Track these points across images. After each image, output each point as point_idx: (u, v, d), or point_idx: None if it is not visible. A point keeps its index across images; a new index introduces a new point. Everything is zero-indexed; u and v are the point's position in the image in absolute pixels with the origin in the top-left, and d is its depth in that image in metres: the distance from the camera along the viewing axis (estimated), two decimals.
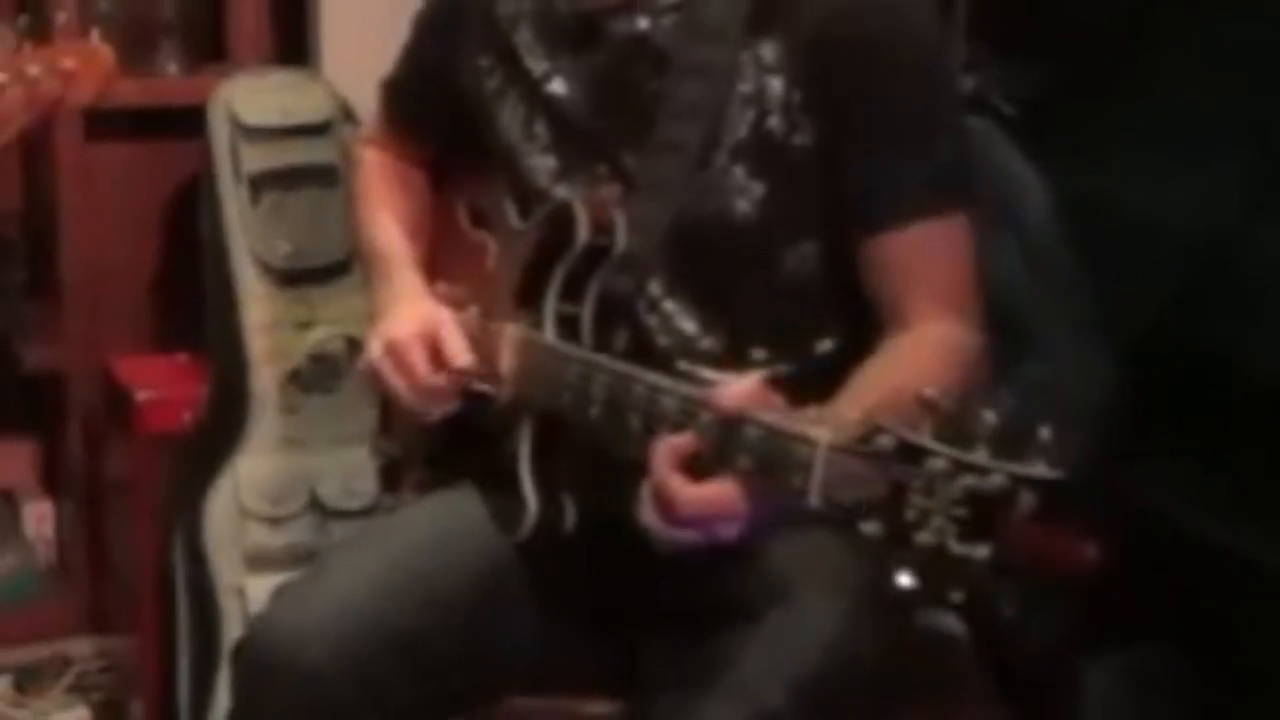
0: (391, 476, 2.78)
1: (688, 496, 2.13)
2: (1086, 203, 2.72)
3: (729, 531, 2.15)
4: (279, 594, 2.53)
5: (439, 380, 2.51)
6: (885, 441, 1.90)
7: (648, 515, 2.18)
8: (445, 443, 2.61)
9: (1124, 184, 2.96)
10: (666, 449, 2.15)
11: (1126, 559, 1.97)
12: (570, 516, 2.46)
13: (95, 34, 3.17)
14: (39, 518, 4.44)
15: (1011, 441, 1.84)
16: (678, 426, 2.16)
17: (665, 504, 2.15)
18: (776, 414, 2.09)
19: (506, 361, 2.49)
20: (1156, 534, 2.74)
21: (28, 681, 4.17)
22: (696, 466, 2.13)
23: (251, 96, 3.76)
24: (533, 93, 2.60)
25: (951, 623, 2.57)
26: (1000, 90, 2.91)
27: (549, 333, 2.45)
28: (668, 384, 2.22)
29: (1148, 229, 2.90)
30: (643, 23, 2.48)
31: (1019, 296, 2.60)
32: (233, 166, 3.68)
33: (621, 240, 2.47)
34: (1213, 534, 2.78)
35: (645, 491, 2.18)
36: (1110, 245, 2.72)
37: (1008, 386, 2.51)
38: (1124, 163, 3.01)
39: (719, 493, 2.12)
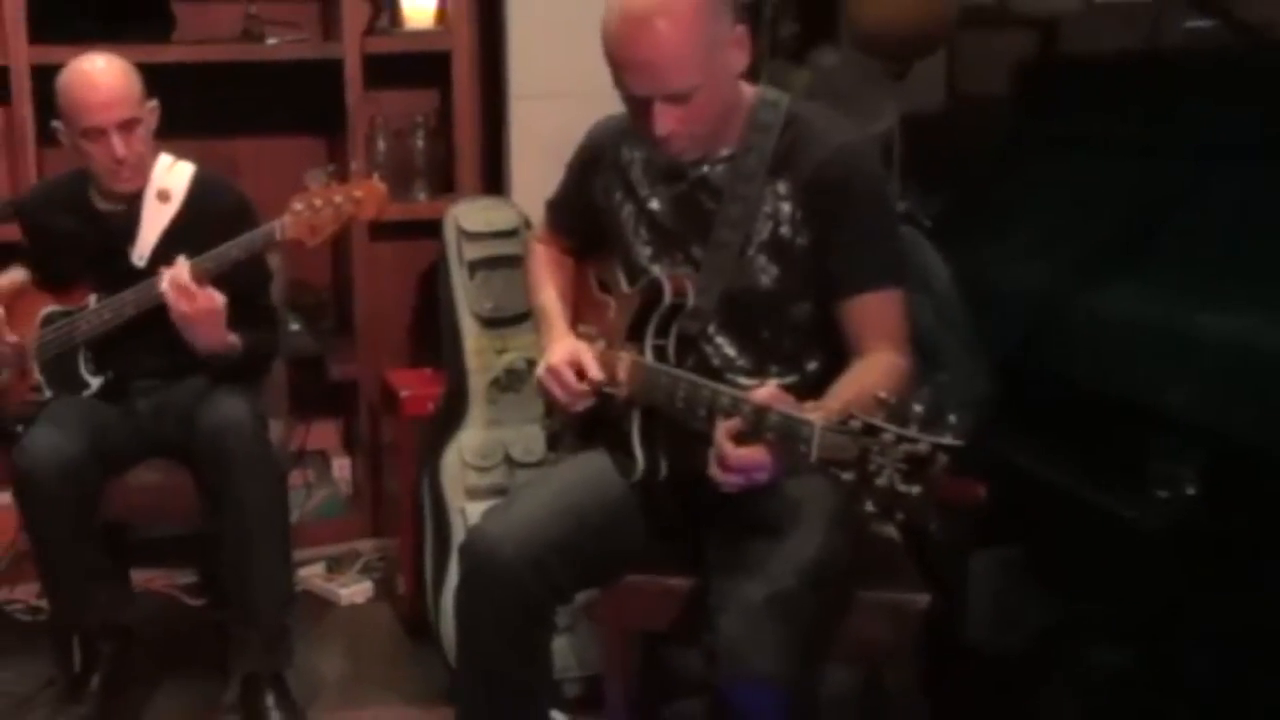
0: (554, 443, 2.75)
1: (736, 455, 2.15)
2: (972, 278, 2.70)
3: (761, 478, 2.17)
4: (486, 514, 2.53)
5: (582, 388, 2.51)
6: (855, 424, 1.95)
7: (711, 467, 2.19)
8: (586, 423, 2.59)
9: (993, 267, 2.94)
10: (722, 427, 2.18)
11: (997, 493, 1.96)
12: (664, 468, 2.47)
13: (375, 175, 3.18)
14: (341, 467, 4.44)
15: (932, 423, 1.89)
16: (729, 413, 2.18)
17: (721, 460, 2.17)
18: (789, 405, 2.12)
19: (622, 375, 2.48)
20: (1015, 477, 2.72)
21: (334, 566, 4.18)
22: (741, 438, 2.16)
23: (470, 213, 3.72)
24: (639, 207, 2.58)
25: (892, 531, 2.55)
26: (920, 210, 2.89)
27: (649, 357, 2.46)
28: (723, 388, 2.25)
29: (1007, 293, 2.88)
30: (706, 169, 2.47)
31: (932, 333, 2.58)
32: (458, 256, 3.65)
33: (691, 300, 2.48)
34: (1049, 477, 2.76)
35: (710, 453, 2.19)
36: (986, 302, 2.70)
37: (926, 387, 2.50)
38: (993, 254, 2.99)
39: (754, 454, 2.15)
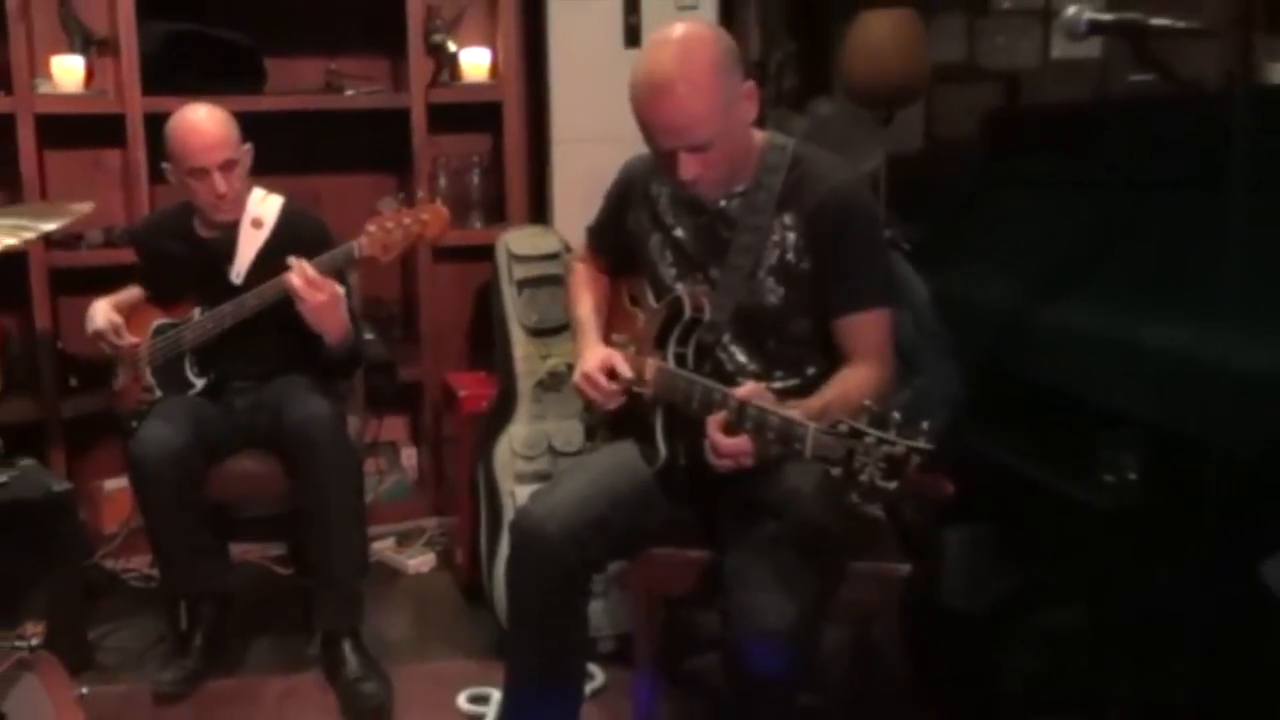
0: (590, 434, 2.74)
1: (725, 444, 2.18)
2: (946, 295, 2.70)
3: (747, 462, 2.19)
4: (533, 497, 2.53)
5: (611, 388, 2.51)
6: (843, 427, 1.94)
7: (706, 453, 2.22)
8: (617, 418, 2.59)
9: (965, 286, 2.94)
10: (712, 420, 2.20)
11: (966, 479, 1.97)
12: (683, 457, 2.46)
13: (439, 203, 3.18)
14: (408, 456, 4.45)
15: (908, 428, 1.89)
16: (719, 407, 2.21)
17: (713, 448, 2.20)
18: (769, 402, 2.14)
19: (649, 378, 2.49)
20: (982, 466, 2.72)
21: (402, 541, 4.20)
22: (728, 428, 2.19)
23: (518, 239, 3.73)
24: (665, 234, 2.58)
25: (878, 511, 2.55)
26: (902, 235, 2.89)
27: (671, 363, 2.46)
28: (719, 387, 2.26)
29: (977, 309, 2.88)
30: (723, 203, 2.47)
31: (912, 343, 2.58)
32: (509, 276, 3.65)
33: (708, 315, 2.48)
34: (1012, 464, 2.75)
35: (705, 442, 2.22)
36: (959, 317, 2.70)
37: (908, 390, 2.51)
38: (964, 275, 2.99)
39: (740, 442, 2.17)
